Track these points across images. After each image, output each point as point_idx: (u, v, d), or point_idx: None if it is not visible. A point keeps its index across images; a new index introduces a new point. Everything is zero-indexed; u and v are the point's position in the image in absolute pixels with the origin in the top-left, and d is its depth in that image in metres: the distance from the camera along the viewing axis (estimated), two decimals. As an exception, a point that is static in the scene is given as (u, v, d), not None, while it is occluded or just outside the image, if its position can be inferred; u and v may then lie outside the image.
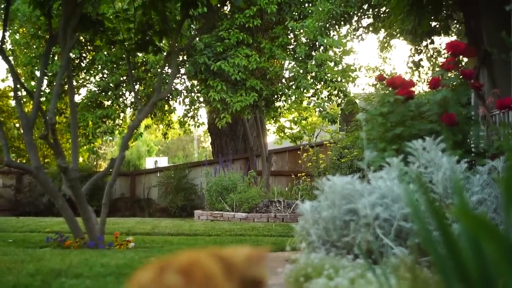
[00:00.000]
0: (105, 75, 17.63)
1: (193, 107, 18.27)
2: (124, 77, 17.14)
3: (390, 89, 5.95)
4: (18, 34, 18.26)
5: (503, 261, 1.67)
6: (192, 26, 15.85)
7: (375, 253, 2.71)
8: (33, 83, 16.41)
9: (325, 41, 15.74)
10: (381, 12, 12.00)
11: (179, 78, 17.91)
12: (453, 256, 1.78)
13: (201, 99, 17.84)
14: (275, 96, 17.07)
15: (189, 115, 18.95)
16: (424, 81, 18.28)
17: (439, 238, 1.78)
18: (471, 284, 1.77)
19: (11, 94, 22.61)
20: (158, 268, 1.43)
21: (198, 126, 21.67)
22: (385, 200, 4.54)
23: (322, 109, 16.72)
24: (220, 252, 1.60)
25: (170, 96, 17.49)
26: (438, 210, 1.75)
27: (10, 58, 16.73)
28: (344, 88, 16.91)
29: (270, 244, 7.00)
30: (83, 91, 19.77)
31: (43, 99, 13.84)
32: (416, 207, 1.87)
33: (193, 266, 1.49)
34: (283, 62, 17.85)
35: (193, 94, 17.76)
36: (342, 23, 12.13)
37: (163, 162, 30.58)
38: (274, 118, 18.97)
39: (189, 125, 19.69)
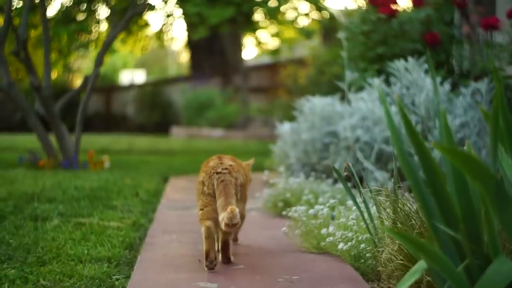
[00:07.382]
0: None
1: (169, 18, 17.84)
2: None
3: (372, 6, 5.77)
4: None
5: (490, 198, 1.59)
6: None
7: (354, 177, 2.64)
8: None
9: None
10: None
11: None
12: (434, 186, 1.70)
13: (180, 10, 17.37)
14: (254, 12, 16.66)
15: (166, 29, 18.54)
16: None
17: (418, 163, 1.72)
18: (454, 222, 1.71)
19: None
20: (218, 158, 2.82)
21: (174, 40, 21.19)
22: (366, 123, 4.45)
23: (298, 24, 16.48)
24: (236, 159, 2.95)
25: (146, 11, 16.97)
26: (418, 135, 1.67)
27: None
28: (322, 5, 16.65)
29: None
30: (57, 4, 19.11)
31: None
32: (396, 130, 1.78)
33: (234, 158, 2.91)
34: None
35: (168, 8, 17.27)
36: None
37: (140, 76, 30.17)
38: (253, 31, 18.56)
39: (163, 39, 19.33)
